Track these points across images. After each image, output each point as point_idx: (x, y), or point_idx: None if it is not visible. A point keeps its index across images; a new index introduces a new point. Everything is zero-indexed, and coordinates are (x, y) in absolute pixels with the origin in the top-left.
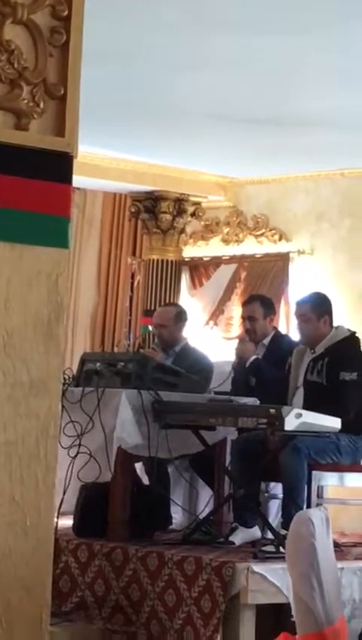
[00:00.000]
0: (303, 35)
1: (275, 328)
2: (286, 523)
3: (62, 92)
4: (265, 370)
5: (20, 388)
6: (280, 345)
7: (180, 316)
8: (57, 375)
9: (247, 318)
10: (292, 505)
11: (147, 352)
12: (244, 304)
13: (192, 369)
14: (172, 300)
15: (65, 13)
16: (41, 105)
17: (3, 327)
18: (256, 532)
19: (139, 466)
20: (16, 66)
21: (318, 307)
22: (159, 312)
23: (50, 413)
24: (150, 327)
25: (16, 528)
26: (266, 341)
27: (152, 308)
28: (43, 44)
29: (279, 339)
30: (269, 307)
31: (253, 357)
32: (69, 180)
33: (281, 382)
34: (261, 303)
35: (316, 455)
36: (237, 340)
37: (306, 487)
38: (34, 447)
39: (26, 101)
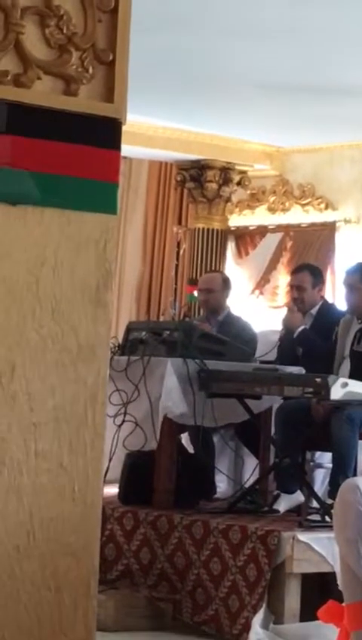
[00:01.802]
0: (352, 3)
1: (323, 298)
2: (333, 492)
3: (111, 57)
4: (313, 340)
5: (68, 354)
6: (327, 315)
7: (227, 283)
8: (105, 342)
9: (296, 287)
10: (341, 475)
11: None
12: (293, 273)
13: (238, 337)
14: (218, 269)
15: None
16: (90, 70)
17: (51, 294)
18: (298, 497)
19: (184, 435)
20: (65, 31)
21: None
22: (206, 278)
23: (99, 379)
24: (195, 293)
25: (64, 494)
26: (314, 311)
27: (198, 277)
28: (92, 9)
29: (327, 309)
30: (318, 276)
31: (301, 327)
32: (118, 146)
33: (328, 352)
34: (310, 272)
35: None
36: (284, 310)
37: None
38: (82, 413)
39: (75, 67)
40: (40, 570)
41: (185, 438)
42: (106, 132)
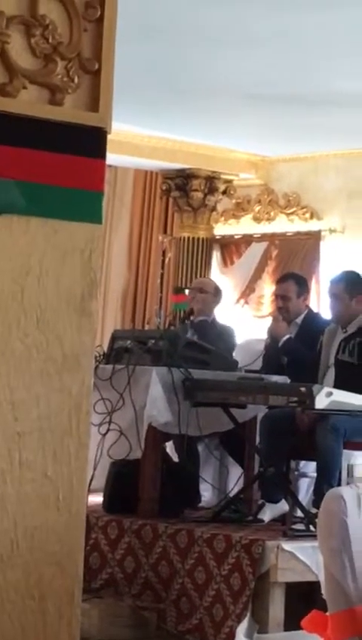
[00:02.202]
0: (337, 13)
1: (308, 307)
2: (317, 502)
3: (96, 67)
4: (298, 349)
5: (53, 363)
6: (312, 324)
7: (218, 290)
8: (90, 351)
9: (281, 297)
10: (325, 484)
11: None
12: (278, 282)
13: (214, 343)
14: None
15: None
16: (76, 80)
17: (36, 303)
18: (283, 506)
19: (169, 444)
20: (50, 40)
21: (351, 286)
22: (201, 280)
23: (83, 388)
24: (186, 293)
25: (48, 503)
26: (299, 320)
27: (183, 286)
28: (77, 18)
29: (312, 318)
30: (303, 286)
31: (286, 336)
32: (103, 155)
33: (313, 361)
34: (295, 282)
35: (352, 434)
36: (269, 319)
37: None
38: (66, 423)
39: (60, 76)
40: (24, 579)
41: (169, 447)
42: (92, 141)
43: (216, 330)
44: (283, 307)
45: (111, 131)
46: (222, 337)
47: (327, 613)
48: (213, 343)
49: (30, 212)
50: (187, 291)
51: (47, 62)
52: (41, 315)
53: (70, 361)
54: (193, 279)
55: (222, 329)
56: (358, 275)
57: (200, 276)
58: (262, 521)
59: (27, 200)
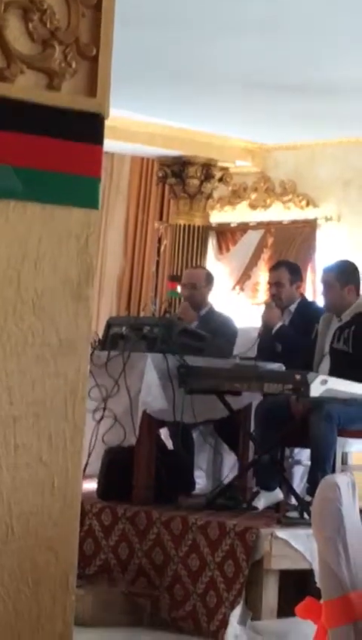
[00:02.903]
0: (331, 2)
1: (302, 295)
2: (312, 489)
3: (94, 52)
4: (291, 337)
5: (49, 348)
6: (306, 312)
7: (210, 278)
8: (86, 336)
9: (274, 284)
10: (319, 472)
11: (180, 309)
12: (271, 270)
13: (216, 333)
14: (201, 265)
15: None
16: (73, 65)
17: (32, 288)
18: (278, 494)
19: (163, 431)
20: (48, 25)
21: (343, 275)
22: (190, 273)
23: (79, 374)
24: (178, 289)
25: (43, 489)
26: (292, 308)
27: (179, 273)
28: (76, 3)
29: (305, 305)
30: (296, 273)
31: (279, 323)
32: (101, 141)
33: (307, 349)
34: (288, 269)
35: (346, 423)
36: (263, 306)
37: None
38: (62, 408)
39: (58, 61)
40: (18, 565)
41: (164, 434)
42: (89, 127)
43: (218, 318)
44: (276, 294)
45: (109, 117)
46: (225, 326)
47: (321, 601)
48: (217, 332)
49: (27, 197)
50: (179, 288)
51: (45, 47)
52: (37, 300)
53: (66, 346)
54: (189, 266)
55: (221, 317)
56: (351, 264)
57: (197, 263)
58: (257, 508)
59: (24, 185)
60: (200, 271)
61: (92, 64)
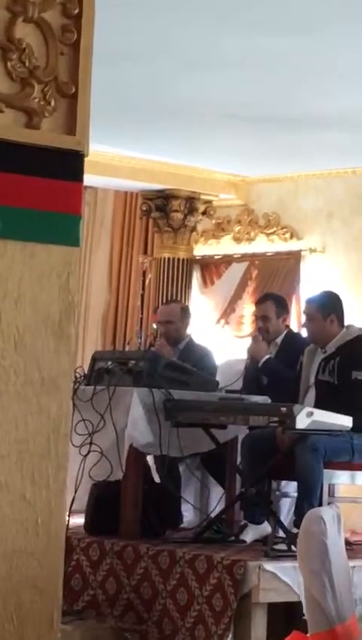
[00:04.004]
0: (315, 34)
1: (288, 327)
2: (298, 521)
3: (73, 90)
4: (278, 370)
5: (31, 386)
6: (292, 344)
7: (185, 312)
8: (68, 373)
9: (260, 317)
10: (306, 504)
11: (157, 345)
12: (257, 303)
13: (196, 366)
14: (183, 299)
15: (76, 11)
16: (52, 103)
17: (14, 326)
18: (266, 528)
19: (150, 465)
20: (27, 64)
21: (325, 307)
22: (164, 309)
23: (61, 411)
24: (154, 325)
25: (27, 527)
26: (279, 340)
27: (160, 306)
28: (54, 42)
29: (292, 338)
30: (282, 306)
31: (266, 356)
32: (80, 178)
33: (293, 382)
34: (274, 302)
35: (332, 454)
36: (249, 339)
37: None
38: (45, 446)
39: (37, 100)
40: (2, 603)
41: (151, 468)
42: (69, 164)
43: (198, 351)
44: (263, 327)
45: (91, 152)
46: (204, 359)
47: (308, 634)
48: (196, 365)
49: (8, 235)
50: (154, 325)
51: (24, 86)
52: (18, 338)
53: (48, 383)
54: (166, 301)
55: (201, 350)
56: (334, 295)
57: (181, 297)
58: (244, 541)
59: (4, 223)
60: (173, 306)
61: (71, 102)
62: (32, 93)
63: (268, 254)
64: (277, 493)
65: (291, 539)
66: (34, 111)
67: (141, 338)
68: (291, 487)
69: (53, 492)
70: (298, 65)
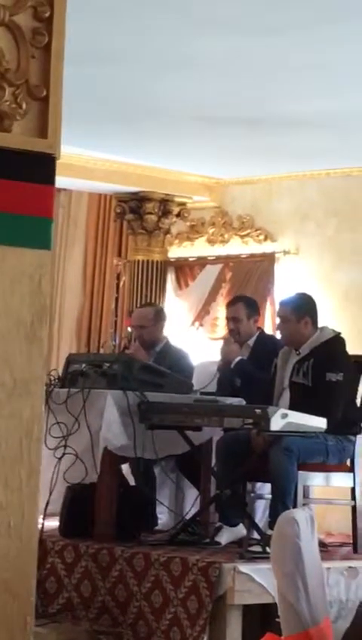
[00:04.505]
0: (286, 36)
1: (260, 329)
2: (273, 523)
3: (44, 93)
4: (250, 371)
5: (3, 389)
6: (264, 346)
7: (159, 315)
8: (40, 377)
9: (231, 319)
10: (280, 505)
11: (131, 349)
12: (228, 305)
13: (172, 369)
14: (157, 301)
15: (47, 14)
16: (24, 106)
17: None
18: (241, 530)
19: (125, 467)
20: None
21: (299, 309)
22: (137, 313)
23: (34, 414)
24: (129, 329)
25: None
26: (251, 342)
27: (134, 309)
28: (25, 45)
29: (264, 340)
30: (253, 308)
31: (238, 358)
32: (52, 181)
33: (267, 383)
34: (245, 304)
35: (306, 456)
36: (222, 341)
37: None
38: (17, 449)
39: (8, 103)
40: None
41: (126, 470)
42: (40, 167)
43: (174, 353)
44: (235, 329)
45: (64, 155)
46: (180, 361)
47: (282, 636)
48: (173, 367)
49: None
50: (129, 329)
51: None
52: None
53: (20, 387)
54: (140, 304)
55: (177, 353)
56: (307, 297)
57: (155, 299)
58: (219, 543)
59: None
60: (147, 310)
61: (42, 105)
62: (3, 96)
63: (242, 256)
64: (252, 495)
65: (266, 541)
66: (5, 114)
67: (115, 341)
68: (266, 489)
69: (26, 495)
70: (271, 66)
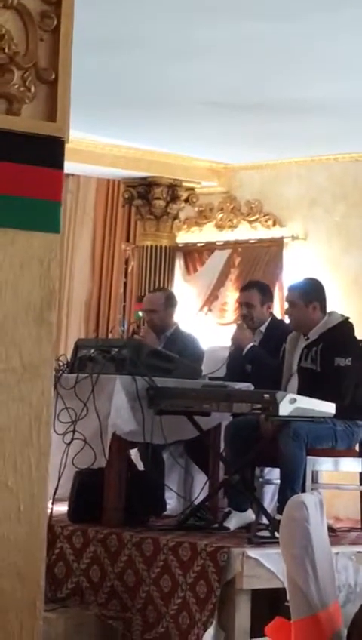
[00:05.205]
0: (295, 21)
1: (272, 315)
2: (282, 508)
3: (53, 77)
4: (262, 357)
5: (13, 373)
6: (277, 331)
7: (170, 301)
8: (49, 361)
9: (244, 305)
10: (289, 490)
11: (141, 334)
12: (242, 290)
13: (182, 354)
14: (166, 286)
15: None
16: (32, 90)
17: None
18: (249, 515)
19: (133, 452)
20: (6, 50)
21: (307, 294)
22: (149, 298)
23: (43, 398)
24: (140, 314)
25: (9, 514)
26: (263, 328)
27: (146, 294)
28: (34, 28)
29: (276, 325)
30: (267, 294)
31: (250, 344)
32: (61, 165)
33: (277, 368)
34: (259, 290)
35: (314, 441)
36: (233, 326)
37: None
38: (27, 433)
39: (17, 86)
40: None
41: (134, 455)
42: (49, 151)
43: (184, 339)
44: (247, 315)
45: (73, 140)
46: (190, 346)
47: (291, 620)
48: (182, 353)
49: None
50: (140, 313)
51: (4, 72)
52: (0, 326)
53: (30, 371)
54: (151, 289)
55: (187, 338)
56: (315, 281)
57: (164, 284)
58: (228, 529)
59: None
60: (158, 295)
61: (51, 88)
62: (12, 80)
63: (250, 242)
64: (261, 480)
65: (274, 526)
66: (14, 97)
67: (124, 326)
68: (274, 474)
69: (36, 480)
70: (279, 51)
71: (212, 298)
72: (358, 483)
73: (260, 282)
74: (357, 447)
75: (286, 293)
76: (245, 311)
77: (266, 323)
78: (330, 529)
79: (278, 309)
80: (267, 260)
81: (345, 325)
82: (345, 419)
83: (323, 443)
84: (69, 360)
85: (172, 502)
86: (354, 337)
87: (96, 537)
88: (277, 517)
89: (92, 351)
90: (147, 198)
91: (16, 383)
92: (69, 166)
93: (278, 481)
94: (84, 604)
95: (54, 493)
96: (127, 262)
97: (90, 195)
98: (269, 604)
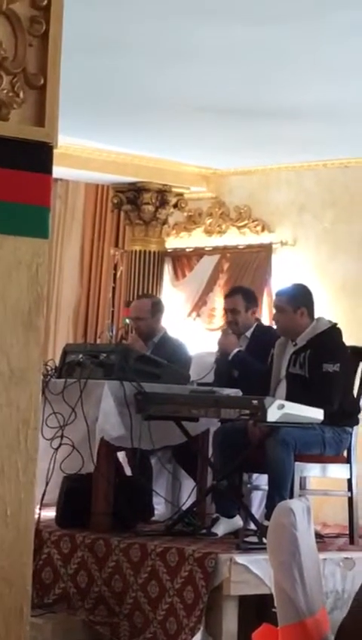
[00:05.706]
0: (284, 26)
1: (258, 320)
2: (269, 514)
3: (42, 82)
4: (248, 362)
5: (0, 378)
6: (262, 337)
7: (156, 307)
8: (37, 366)
9: (229, 311)
10: (277, 496)
11: (129, 340)
12: (226, 297)
13: (170, 360)
14: (154, 292)
15: (45, 2)
16: (21, 95)
17: None
18: (237, 522)
19: (121, 457)
20: None
21: (295, 299)
22: (135, 305)
23: (31, 403)
24: (127, 320)
25: None
26: (248, 333)
27: (135, 299)
28: (22, 33)
29: (261, 331)
30: (251, 299)
31: (236, 349)
32: (49, 170)
33: (264, 374)
34: (243, 296)
35: (302, 447)
36: (220, 332)
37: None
38: (14, 438)
39: (5, 91)
40: None
41: (122, 460)
42: (38, 156)
43: (171, 344)
44: (233, 321)
45: (62, 145)
46: (178, 352)
47: (278, 627)
48: (170, 358)
49: None
50: (127, 320)
51: None
52: None
53: (17, 375)
54: (139, 295)
55: (174, 344)
56: (303, 287)
57: (152, 290)
58: (216, 534)
59: None
60: (144, 302)
61: (40, 94)
62: (1, 85)
63: (239, 247)
64: (249, 485)
65: (262, 531)
66: (2, 102)
67: (112, 331)
68: (262, 480)
69: (23, 485)
70: (269, 57)
71: (200, 303)
72: (346, 489)
73: (244, 288)
74: (345, 454)
75: (274, 298)
76: (230, 317)
77: (252, 328)
78: (318, 535)
79: (267, 314)
80: (256, 265)
81: (334, 331)
82: (333, 425)
83: (311, 449)
84: (57, 365)
85: (160, 507)
86: (342, 343)
87: (83, 543)
88: (265, 523)
89: (80, 356)
90: (136, 203)
91: (3, 388)
92: (58, 171)
93: (266, 487)
94: (72, 610)
95: (42, 499)
96: (115, 267)
97: (79, 200)
98: (256, 610)
